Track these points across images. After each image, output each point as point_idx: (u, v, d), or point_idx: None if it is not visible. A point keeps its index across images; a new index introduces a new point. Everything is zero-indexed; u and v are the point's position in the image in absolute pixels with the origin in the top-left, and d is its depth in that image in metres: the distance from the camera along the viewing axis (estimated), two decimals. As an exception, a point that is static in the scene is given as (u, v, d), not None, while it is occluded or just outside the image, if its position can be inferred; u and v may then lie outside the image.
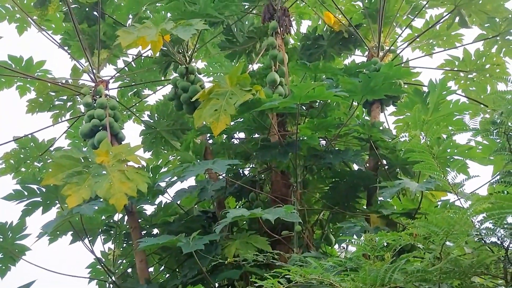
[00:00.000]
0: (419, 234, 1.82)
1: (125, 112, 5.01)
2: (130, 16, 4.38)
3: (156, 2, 4.24)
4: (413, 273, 1.82)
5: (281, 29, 4.12)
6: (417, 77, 4.66)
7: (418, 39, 4.75)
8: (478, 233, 1.76)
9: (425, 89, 3.94)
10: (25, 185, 3.61)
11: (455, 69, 4.69)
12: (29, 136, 4.35)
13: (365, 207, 3.93)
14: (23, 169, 4.49)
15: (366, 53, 4.64)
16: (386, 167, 3.87)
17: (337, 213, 3.88)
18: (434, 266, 1.78)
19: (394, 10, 4.59)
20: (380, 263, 1.87)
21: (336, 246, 4.13)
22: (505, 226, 1.66)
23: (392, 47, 4.60)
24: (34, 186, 3.62)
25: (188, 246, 2.95)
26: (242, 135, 4.31)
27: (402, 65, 4.67)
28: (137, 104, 5.08)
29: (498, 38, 4.38)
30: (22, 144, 4.39)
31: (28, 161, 4.47)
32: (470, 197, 2.31)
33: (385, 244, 2.00)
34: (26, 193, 3.61)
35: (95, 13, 4.26)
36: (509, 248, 1.84)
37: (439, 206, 3.42)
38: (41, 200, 3.67)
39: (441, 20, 4.48)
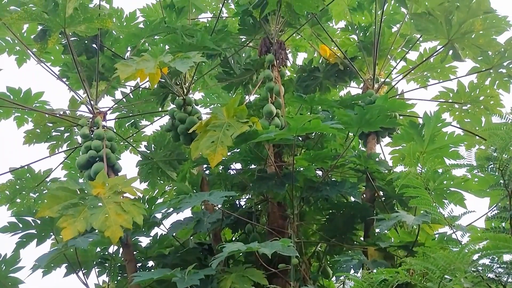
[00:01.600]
0: (416, 270, 1.80)
1: (122, 143, 5.02)
2: (129, 49, 4.45)
3: (154, 35, 4.31)
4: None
5: (278, 62, 4.19)
6: (412, 109, 4.71)
7: (412, 72, 4.84)
8: (475, 269, 1.74)
9: (420, 120, 3.98)
10: (20, 217, 3.57)
11: (450, 101, 4.75)
12: (25, 167, 4.34)
13: (362, 239, 3.90)
14: (18, 200, 4.46)
15: (362, 85, 4.71)
16: (383, 198, 3.87)
17: (334, 245, 3.85)
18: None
19: (388, 43, 4.69)
20: (377, 301, 1.84)
21: (334, 279, 4.07)
22: (502, 264, 1.65)
23: (387, 79, 4.67)
24: (29, 218, 3.58)
25: (183, 281, 2.90)
26: (238, 165, 4.32)
27: (397, 97, 4.74)
28: (134, 135, 5.10)
29: (491, 71, 4.46)
30: (18, 175, 4.37)
31: (24, 192, 4.44)
32: (467, 231, 2.31)
33: (383, 279, 1.98)
34: (21, 225, 3.57)
35: (94, 45, 4.33)
36: (507, 284, 1.82)
37: (436, 239, 3.40)
38: (35, 232, 3.63)
39: (435, 53, 4.57)
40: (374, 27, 4.57)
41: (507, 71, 4.45)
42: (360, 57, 4.85)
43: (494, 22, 4.00)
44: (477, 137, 4.43)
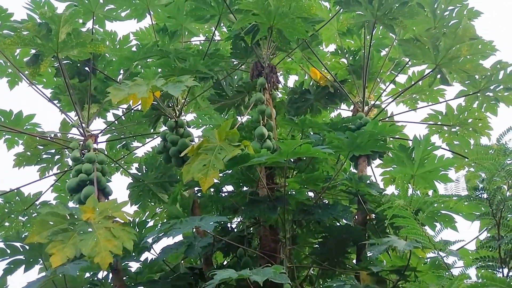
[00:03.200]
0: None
1: (113, 165, 4.99)
2: (121, 72, 4.47)
3: (147, 58, 4.34)
4: None
5: (269, 85, 4.23)
6: (401, 131, 4.76)
7: (402, 94, 4.90)
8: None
9: (410, 143, 4.03)
10: (8, 242, 3.52)
11: (439, 123, 4.81)
12: (15, 190, 4.29)
13: (354, 262, 3.90)
14: (7, 224, 4.40)
15: (352, 107, 4.76)
16: (375, 221, 3.88)
17: (327, 269, 3.84)
18: None
19: (377, 66, 4.77)
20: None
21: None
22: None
23: (377, 102, 4.73)
24: (18, 244, 3.53)
25: (174, 308, 2.87)
26: (230, 187, 4.31)
27: (387, 119, 4.79)
28: (125, 156, 5.08)
29: (478, 94, 4.54)
30: (7, 199, 4.32)
31: (13, 216, 4.38)
32: (459, 258, 2.32)
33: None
34: (8, 251, 3.51)
35: (86, 68, 4.34)
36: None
37: (428, 263, 3.40)
38: (24, 258, 3.57)
39: (423, 77, 4.65)
40: (363, 51, 4.64)
41: (494, 94, 4.53)
42: (350, 80, 4.92)
43: (480, 48, 4.09)
44: (466, 160, 4.48)
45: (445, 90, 4.89)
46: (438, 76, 4.36)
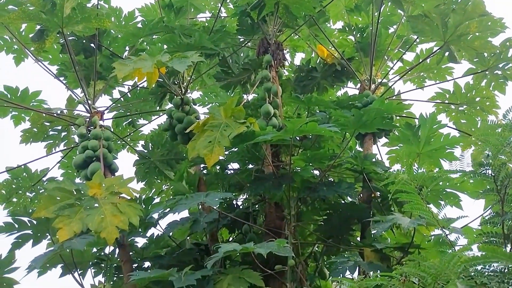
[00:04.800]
0: (409, 276, 1.82)
1: (119, 142, 5.02)
2: (127, 48, 4.44)
3: (152, 35, 4.31)
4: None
5: (275, 62, 4.20)
6: (408, 109, 4.73)
7: (409, 72, 4.85)
8: (467, 275, 1.76)
9: (417, 121, 4.00)
10: (16, 217, 3.57)
11: (446, 101, 4.76)
12: (22, 166, 4.33)
13: (359, 240, 3.92)
14: (14, 200, 4.45)
15: (359, 85, 4.72)
16: (380, 199, 3.88)
17: (331, 246, 3.86)
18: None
19: (385, 44, 4.70)
20: (372, 305, 1.86)
21: (330, 280, 4.09)
22: (491, 272, 1.67)
23: (384, 80, 4.68)
24: (25, 219, 3.58)
25: (179, 281, 2.92)
26: (236, 165, 4.32)
27: (394, 97, 4.75)
28: (131, 134, 5.09)
29: (487, 72, 4.47)
30: (15, 175, 4.37)
31: (20, 192, 4.44)
32: (462, 234, 2.32)
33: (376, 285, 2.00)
34: (16, 226, 3.57)
35: (92, 45, 4.32)
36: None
37: (432, 240, 3.42)
38: (31, 232, 3.62)
39: (432, 55, 4.58)
40: (371, 28, 4.58)
41: (502, 72, 4.46)
42: (357, 58, 4.86)
43: (490, 25, 4.02)
44: (473, 138, 4.45)
45: (453, 68, 4.83)
46: (446, 53, 4.30)
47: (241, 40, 4.58)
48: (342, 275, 3.15)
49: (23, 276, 3.29)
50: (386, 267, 3.29)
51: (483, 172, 1.96)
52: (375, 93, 4.49)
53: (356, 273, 3.36)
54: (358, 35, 4.79)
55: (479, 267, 1.75)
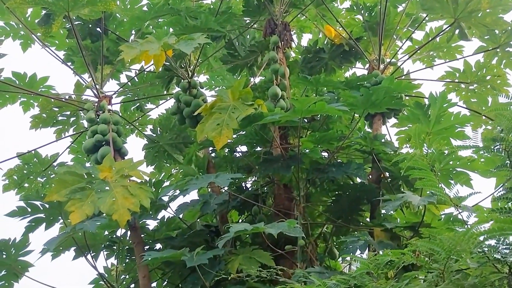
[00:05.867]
0: (422, 252, 1.82)
1: (128, 126, 5.03)
2: (133, 32, 4.42)
3: (158, 18, 4.28)
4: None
5: (282, 43, 4.16)
6: (418, 89, 4.67)
7: (418, 51, 4.78)
8: (481, 251, 1.76)
9: (426, 101, 3.95)
10: (29, 201, 3.61)
11: (456, 80, 4.70)
12: (33, 152, 4.37)
13: (368, 220, 3.93)
14: (26, 185, 4.50)
15: (367, 65, 4.66)
16: (389, 179, 3.87)
17: (341, 226, 3.88)
18: (437, 286, 1.77)
19: (394, 23, 4.63)
20: (384, 282, 1.86)
21: (340, 260, 4.11)
22: (506, 245, 1.66)
23: (393, 60, 4.62)
24: (38, 203, 3.62)
25: (192, 260, 2.95)
26: (244, 148, 4.33)
27: (403, 77, 4.70)
28: (139, 118, 5.10)
29: (498, 50, 4.40)
30: (26, 160, 4.41)
31: (32, 177, 4.48)
32: (473, 212, 2.31)
33: (389, 261, 2.00)
34: (29, 210, 3.62)
35: (98, 29, 4.31)
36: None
37: (442, 219, 3.41)
38: (44, 216, 3.67)
39: (441, 33, 4.51)
40: (379, 6, 4.50)
41: (514, 49, 4.39)
42: (365, 38, 4.79)
43: (501, 0, 3.94)
44: (484, 117, 4.40)
45: (463, 47, 4.76)
46: (457, 31, 4.23)
47: (247, 21, 4.53)
48: (353, 254, 3.16)
49: (37, 259, 3.35)
50: (397, 246, 3.30)
51: (496, 147, 1.93)
52: (384, 73, 4.44)
53: (366, 253, 3.38)
54: (366, 14, 4.72)
55: (493, 242, 1.74)
